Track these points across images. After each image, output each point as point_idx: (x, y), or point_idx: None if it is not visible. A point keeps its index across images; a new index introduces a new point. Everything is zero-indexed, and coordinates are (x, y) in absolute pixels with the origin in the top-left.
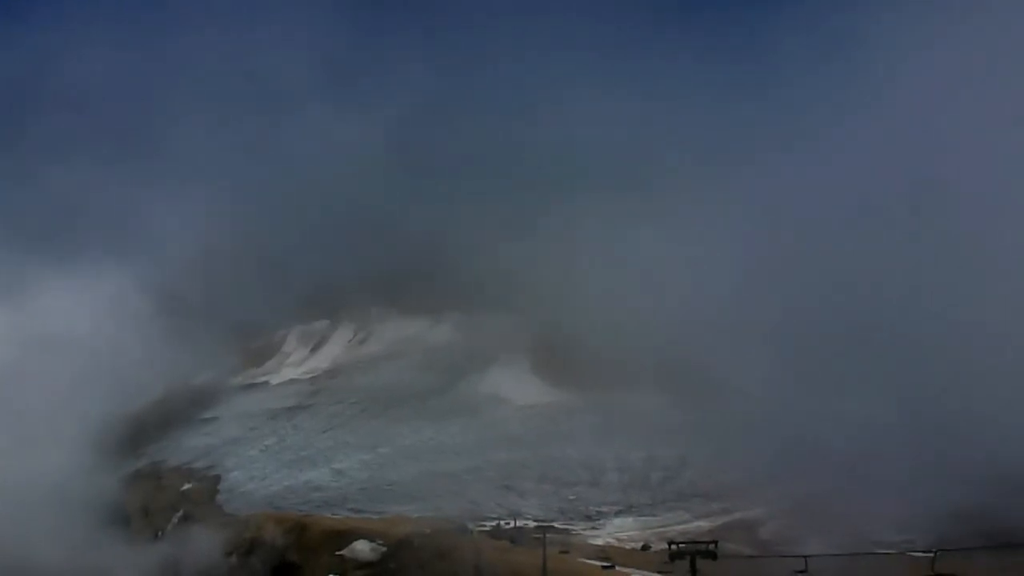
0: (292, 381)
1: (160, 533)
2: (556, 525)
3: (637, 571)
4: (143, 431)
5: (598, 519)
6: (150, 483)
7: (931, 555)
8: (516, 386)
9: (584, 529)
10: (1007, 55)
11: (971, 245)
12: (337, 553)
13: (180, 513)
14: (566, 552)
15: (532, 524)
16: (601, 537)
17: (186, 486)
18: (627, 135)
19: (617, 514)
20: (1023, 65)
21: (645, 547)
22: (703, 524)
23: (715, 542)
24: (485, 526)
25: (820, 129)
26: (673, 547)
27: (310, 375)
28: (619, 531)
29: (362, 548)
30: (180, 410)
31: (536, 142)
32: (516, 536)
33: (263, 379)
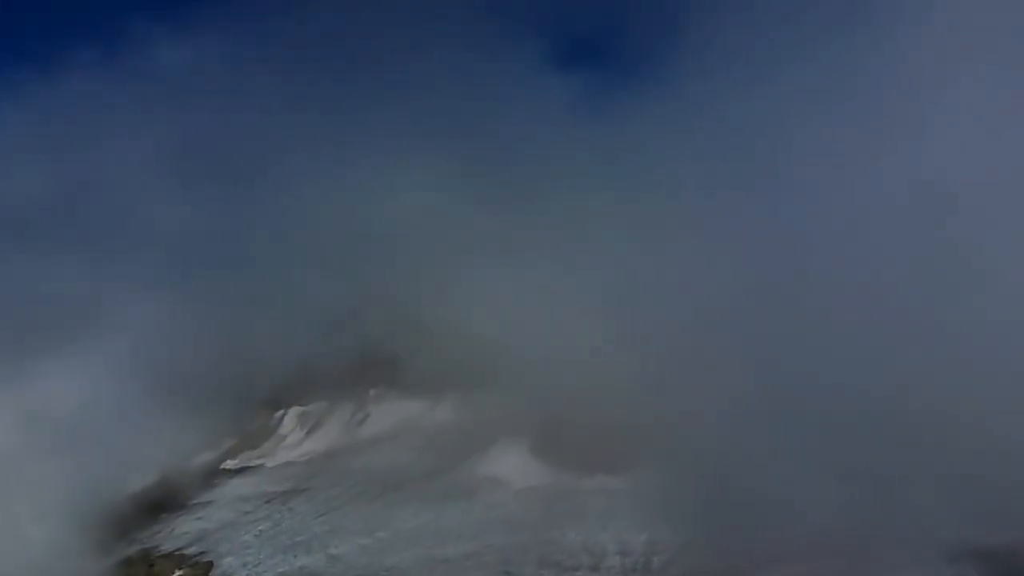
0: (288, 464)
1: None
2: None
3: None
4: (135, 516)
5: None
6: (140, 570)
7: None
8: (515, 468)
9: None
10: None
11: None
12: None
13: None
14: None
15: None
16: None
17: (177, 573)
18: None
19: None
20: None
21: None
22: None
23: None
24: None
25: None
26: None
27: (306, 457)
28: None
29: None
30: (174, 494)
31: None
32: None
33: (258, 462)
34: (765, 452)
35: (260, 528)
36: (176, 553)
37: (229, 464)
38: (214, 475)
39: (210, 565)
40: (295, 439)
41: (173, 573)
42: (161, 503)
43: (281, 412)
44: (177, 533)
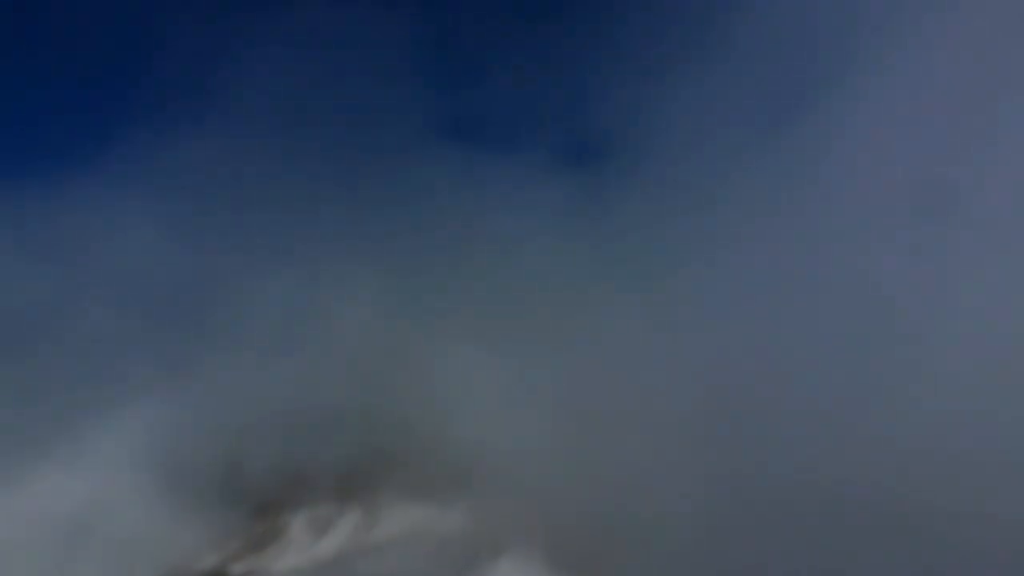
0: (295, 569)
1: None
2: None
3: None
4: None
5: None
6: None
7: None
8: None
9: None
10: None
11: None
12: None
13: None
14: None
15: None
16: None
17: None
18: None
19: None
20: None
21: None
22: None
23: None
24: None
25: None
26: None
27: (315, 562)
28: None
29: None
30: None
31: None
32: None
33: (266, 566)
34: (775, 551)
35: None
36: None
37: (234, 569)
38: None
39: None
40: (304, 543)
41: None
42: None
43: (288, 515)
44: None
